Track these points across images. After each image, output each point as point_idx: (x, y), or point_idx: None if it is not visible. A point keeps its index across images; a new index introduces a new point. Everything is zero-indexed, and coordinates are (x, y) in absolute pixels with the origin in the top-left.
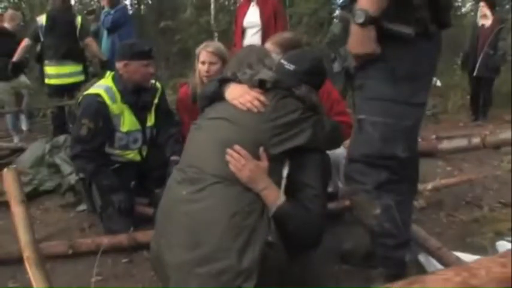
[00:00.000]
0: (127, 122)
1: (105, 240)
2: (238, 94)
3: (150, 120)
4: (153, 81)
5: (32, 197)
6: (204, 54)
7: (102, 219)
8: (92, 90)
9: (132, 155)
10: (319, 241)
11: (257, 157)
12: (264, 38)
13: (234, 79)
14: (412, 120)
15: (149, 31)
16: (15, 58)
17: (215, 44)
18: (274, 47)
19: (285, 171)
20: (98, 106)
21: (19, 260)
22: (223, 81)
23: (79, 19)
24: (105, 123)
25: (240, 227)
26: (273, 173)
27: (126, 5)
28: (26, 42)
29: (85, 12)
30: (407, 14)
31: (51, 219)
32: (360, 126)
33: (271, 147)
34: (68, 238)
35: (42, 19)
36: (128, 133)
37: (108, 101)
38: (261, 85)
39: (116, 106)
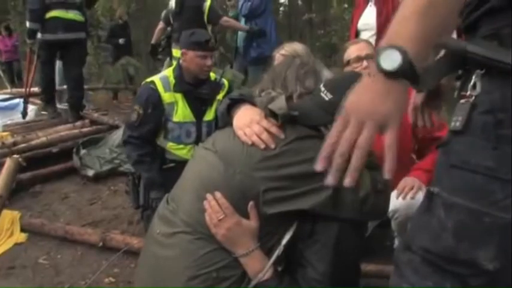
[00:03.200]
0: (180, 112)
1: (135, 242)
2: (245, 123)
3: (209, 116)
4: (220, 77)
5: (109, 175)
6: (277, 56)
7: (143, 217)
8: (150, 78)
9: (186, 151)
10: None
11: (244, 212)
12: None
13: (250, 100)
14: None
15: (298, 22)
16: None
17: (292, 45)
18: None
19: (286, 238)
20: (149, 93)
21: (60, 238)
22: (237, 102)
23: (208, 3)
24: (154, 111)
25: None
26: (269, 237)
27: None
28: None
29: None
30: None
31: (112, 203)
32: (429, 203)
33: (264, 204)
34: (113, 227)
35: (172, 3)
36: (179, 124)
37: (160, 89)
38: (275, 117)
39: (168, 95)
